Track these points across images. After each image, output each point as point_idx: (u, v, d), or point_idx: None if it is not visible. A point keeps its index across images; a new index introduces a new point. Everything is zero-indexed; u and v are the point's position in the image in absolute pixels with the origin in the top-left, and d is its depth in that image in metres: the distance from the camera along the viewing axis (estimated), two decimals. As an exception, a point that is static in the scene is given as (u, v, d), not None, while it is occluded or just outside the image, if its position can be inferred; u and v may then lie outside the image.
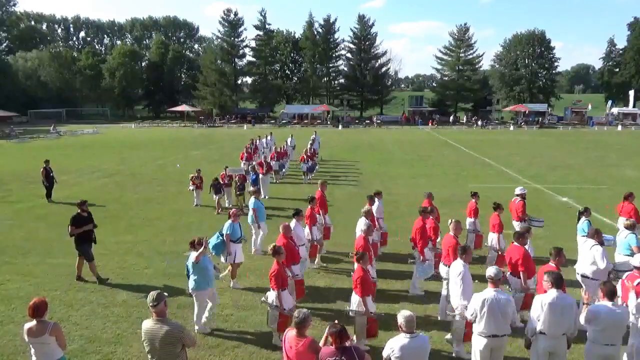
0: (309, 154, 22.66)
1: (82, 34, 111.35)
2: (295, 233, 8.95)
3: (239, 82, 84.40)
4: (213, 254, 9.17)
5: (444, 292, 7.89)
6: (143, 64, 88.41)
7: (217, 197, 15.84)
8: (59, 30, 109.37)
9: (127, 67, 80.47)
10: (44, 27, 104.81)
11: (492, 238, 10.07)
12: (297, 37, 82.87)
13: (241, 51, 79.56)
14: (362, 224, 9.07)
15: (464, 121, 68.59)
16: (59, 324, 5.51)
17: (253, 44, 79.60)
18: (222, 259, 9.57)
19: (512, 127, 60.65)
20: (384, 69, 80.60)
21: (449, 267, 7.43)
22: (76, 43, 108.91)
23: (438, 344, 7.24)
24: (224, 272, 9.72)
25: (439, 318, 8.04)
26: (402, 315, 4.95)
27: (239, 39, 78.61)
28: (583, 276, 7.83)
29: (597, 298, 6.04)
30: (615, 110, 67.82)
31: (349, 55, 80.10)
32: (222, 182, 16.21)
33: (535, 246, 10.08)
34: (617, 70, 77.37)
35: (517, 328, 6.97)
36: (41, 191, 17.92)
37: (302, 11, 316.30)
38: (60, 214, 15.58)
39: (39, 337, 5.19)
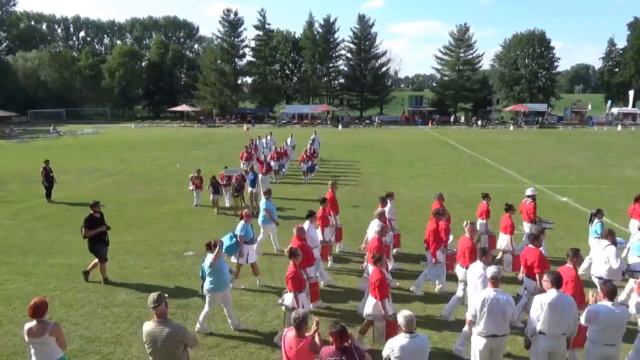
0: (308, 154, 22.66)
1: (82, 33, 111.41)
2: (309, 235, 8.88)
3: (239, 82, 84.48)
4: (226, 255, 9.14)
5: (459, 294, 7.87)
6: (143, 64, 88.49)
7: (215, 198, 15.69)
8: (59, 30, 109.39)
9: (127, 67, 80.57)
10: (44, 27, 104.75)
11: (503, 239, 10.00)
12: (297, 37, 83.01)
13: (241, 51, 79.62)
14: (375, 225, 8.99)
15: (462, 120, 68.59)
16: (59, 324, 5.50)
17: (253, 44, 79.76)
18: (234, 260, 9.54)
19: (512, 127, 60.69)
20: (383, 69, 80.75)
21: (466, 268, 7.40)
22: (76, 43, 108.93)
23: (439, 344, 7.24)
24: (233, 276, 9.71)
25: (448, 318, 7.97)
26: (402, 315, 4.95)
27: (239, 39, 78.69)
28: (598, 277, 7.81)
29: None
30: (615, 110, 67.86)
31: (348, 55, 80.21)
32: (220, 183, 16.14)
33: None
34: (617, 70, 77.36)
35: (517, 328, 6.98)
36: (41, 191, 17.91)
37: (302, 11, 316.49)
38: (60, 214, 15.62)
39: (39, 337, 5.19)
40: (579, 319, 5.69)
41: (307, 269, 7.94)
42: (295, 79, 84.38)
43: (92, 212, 9.78)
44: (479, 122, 63.48)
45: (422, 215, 14.44)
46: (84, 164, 27.37)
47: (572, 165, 26.40)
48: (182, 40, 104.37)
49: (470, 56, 77.43)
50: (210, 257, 7.53)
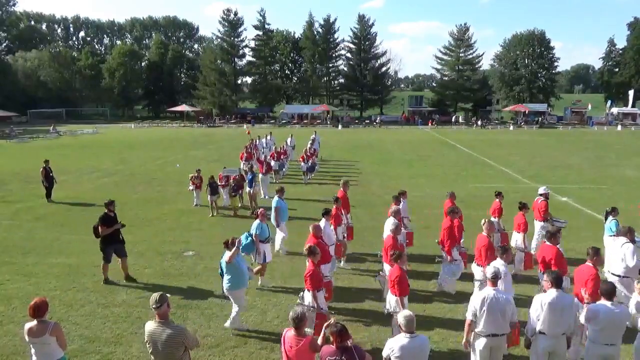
0: (309, 153, 22.66)
1: (81, 33, 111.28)
2: (325, 232, 8.90)
3: (239, 82, 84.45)
4: (243, 254, 9.14)
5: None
6: (143, 64, 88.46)
7: (213, 199, 15.47)
8: (59, 30, 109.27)
9: (127, 67, 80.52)
10: (44, 27, 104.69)
11: (516, 238, 9.99)
12: (296, 37, 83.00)
13: (241, 51, 79.60)
14: (390, 223, 9.00)
15: (459, 120, 68.57)
16: (59, 324, 5.51)
17: (253, 44, 79.71)
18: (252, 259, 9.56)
19: (511, 127, 60.68)
20: (383, 69, 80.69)
21: (483, 267, 7.38)
22: (76, 43, 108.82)
23: (439, 344, 7.25)
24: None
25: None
26: (402, 315, 4.95)
27: (239, 39, 78.65)
28: (615, 275, 7.77)
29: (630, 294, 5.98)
30: (614, 110, 67.82)
31: (348, 55, 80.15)
32: (218, 183, 16.00)
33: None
34: (617, 70, 77.34)
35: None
36: (41, 191, 17.90)
37: (302, 11, 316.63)
38: (59, 214, 15.62)
39: (40, 337, 5.19)
40: (579, 318, 5.69)
41: (322, 267, 7.94)
42: (295, 79, 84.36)
43: (106, 211, 9.80)
44: (479, 122, 63.49)
45: (421, 215, 14.44)
46: (84, 164, 27.36)
47: (571, 165, 26.41)
48: (182, 40, 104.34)
49: (470, 56, 77.42)
50: (227, 254, 7.58)
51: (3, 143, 42.15)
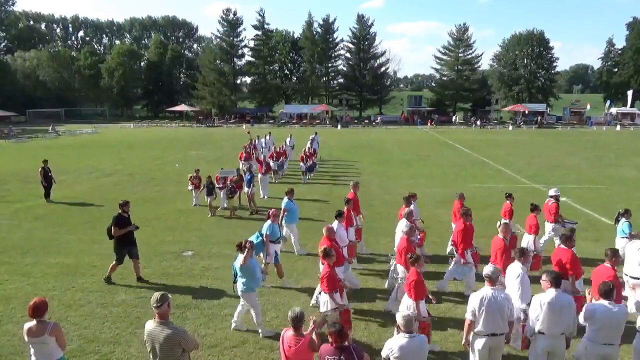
0: (308, 153, 22.66)
1: (80, 33, 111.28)
2: (338, 234, 8.88)
3: (238, 81, 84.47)
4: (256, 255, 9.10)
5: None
6: (142, 63, 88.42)
7: (210, 199, 15.39)
8: (58, 30, 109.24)
9: (126, 67, 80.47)
10: (43, 26, 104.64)
11: (527, 239, 9.96)
12: (296, 37, 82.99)
13: (240, 51, 79.67)
14: (403, 225, 8.97)
15: (457, 120, 68.59)
16: (58, 324, 5.50)
17: (252, 43, 79.80)
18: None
19: (510, 127, 60.72)
20: (383, 69, 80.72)
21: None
22: (75, 43, 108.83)
23: (438, 344, 7.25)
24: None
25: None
26: (401, 315, 4.96)
27: (238, 39, 78.73)
28: (632, 277, 7.75)
29: None
30: (613, 110, 67.93)
31: (348, 55, 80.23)
32: (216, 184, 15.86)
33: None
34: (616, 70, 77.43)
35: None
36: (40, 191, 17.87)
37: (301, 11, 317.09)
38: (58, 214, 15.59)
39: (39, 337, 5.19)
40: (578, 318, 5.69)
41: (336, 269, 7.89)
42: (295, 78, 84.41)
43: (120, 211, 9.73)
44: (478, 122, 63.53)
45: (421, 215, 14.39)
46: (83, 163, 27.34)
47: (570, 165, 26.43)
48: (181, 40, 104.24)
49: (469, 56, 77.47)
50: (241, 257, 7.49)
51: (2, 143, 42.10)
